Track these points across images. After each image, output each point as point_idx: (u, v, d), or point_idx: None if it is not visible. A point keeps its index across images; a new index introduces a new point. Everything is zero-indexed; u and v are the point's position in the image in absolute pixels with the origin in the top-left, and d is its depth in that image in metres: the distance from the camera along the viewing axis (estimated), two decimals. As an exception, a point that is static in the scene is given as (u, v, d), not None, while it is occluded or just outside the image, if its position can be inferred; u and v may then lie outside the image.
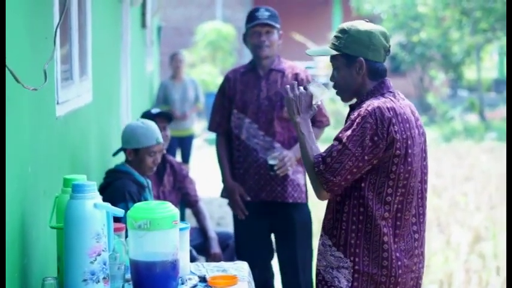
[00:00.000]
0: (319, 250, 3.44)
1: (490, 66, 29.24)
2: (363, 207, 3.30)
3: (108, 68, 6.38)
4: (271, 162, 5.09)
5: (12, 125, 2.99)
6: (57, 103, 3.92)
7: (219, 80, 5.73)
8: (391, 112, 3.27)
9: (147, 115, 5.65)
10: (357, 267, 3.33)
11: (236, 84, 5.31)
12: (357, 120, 3.26)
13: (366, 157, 3.25)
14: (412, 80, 23.94)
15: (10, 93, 2.93)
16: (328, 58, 3.51)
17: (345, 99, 3.47)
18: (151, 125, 4.91)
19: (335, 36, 3.40)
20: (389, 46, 3.43)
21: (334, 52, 3.38)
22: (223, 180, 5.37)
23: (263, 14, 5.16)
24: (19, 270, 3.07)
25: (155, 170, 4.94)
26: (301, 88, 3.45)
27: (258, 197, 5.23)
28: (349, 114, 3.45)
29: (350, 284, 3.33)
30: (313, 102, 3.44)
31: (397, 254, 3.34)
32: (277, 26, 5.19)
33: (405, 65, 23.68)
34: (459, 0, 21.26)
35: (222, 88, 5.39)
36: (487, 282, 6.84)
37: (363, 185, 3.30)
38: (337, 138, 3.29)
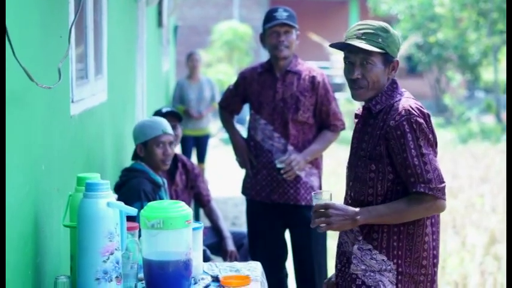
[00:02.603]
0: (354, 255, 3.39)
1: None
2: None
3: (123, 67, 6.38)
4: (278, 165, 5.10)
5: (26, 122, 3.00)
6: (72, 102, 3.93)
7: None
8: (423, 108, 3.32)
9: (157, 114, 5.70)
10: (400, 269, 3.32)
11: (253, 85, 5.31)
12: (414, 127, 3.24)
13: (436, 150, 3.32)
14: (429, 81, 23.89)
15: (23, 91, 2.93)
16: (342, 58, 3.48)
17: (363, 97, 3.40)
18: (158, 118, 4.95)
19: (373, 34, 3.33)
20: None
21: (374, 49, 3.31)
22: (232, 139, 5.46)
23: (282, 14, 5.15)
24: (32, 269, 3.07)
25: (167, 168, 4.93)
26: (320, 211, 3.32)
27: (270, 198, 5.23)
28: (364, 116, 3.43)
29: (395, 287, 3.32)
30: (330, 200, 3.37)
31: (434, 252, 3.38)
32: (296, 26, 5.19)
33: (422, 66, 23.63)
34: (476, 1, 21.21)
35: (237, 85, 5.43)
36: (502, 285, 6.80)
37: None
38: (417, 155, 3.23)
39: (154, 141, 4.79)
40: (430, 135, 3.27)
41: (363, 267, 3.37)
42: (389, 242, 3.33)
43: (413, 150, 3.23)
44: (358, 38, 3.34)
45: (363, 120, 3.45)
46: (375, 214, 3.28)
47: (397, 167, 3.28)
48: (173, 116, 5.80)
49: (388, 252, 3.33)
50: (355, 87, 3.38)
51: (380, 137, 3.31)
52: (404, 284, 3.33)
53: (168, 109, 5.94)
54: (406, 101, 3.32)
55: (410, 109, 3.27)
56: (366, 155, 3.36)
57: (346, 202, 3.45)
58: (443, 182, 3.25)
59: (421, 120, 3.25)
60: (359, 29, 3.36)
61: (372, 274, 3.35)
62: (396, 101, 3.33)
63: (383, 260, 3.34)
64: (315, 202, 3.34)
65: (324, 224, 3.31)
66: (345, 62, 3.42)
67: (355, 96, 3.43)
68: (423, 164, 3.22)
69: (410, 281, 3.33)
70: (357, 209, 3.29)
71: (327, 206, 3.29)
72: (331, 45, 3.48)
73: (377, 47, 3.31)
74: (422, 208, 3.25)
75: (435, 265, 3.39)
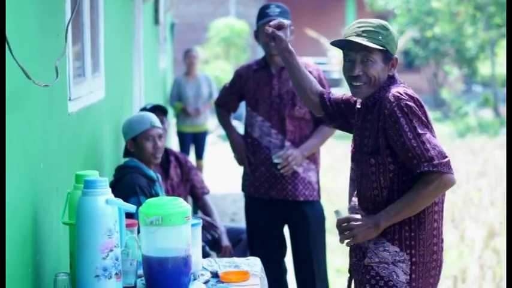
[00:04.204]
0: (369, 249, 3.41)
1: (505, 61, 29.14)
2: None
3: (120, 64, 6.38)
4: (275, 160, 5.11)
5: (24, 121, 3.00)
6: (70, 99, 3.93)
7: (233, 76, 5.78)
8: (413, 94, 3.34)
9: (143, 110, 5.75)
10: (414, 259, 3.36)
11: (248, 82, 5.31)
12: (405, 110, 3.26)
13: (433, 129, 3.33)
14: (426, 76, 23.90)
15: (21, 89, 2.94)
16: (341, 54, 3.50)
17: (363, 94, 3.42)
18: (146, 112, 4.99)
19: (373, 31, 3.35)
20: None
21: (376, 46, 3.33)
22: (229, 137, 5.46)
23: (274, 10, 5.15)
24: (32, 266, 3.07)
25: (159, 162, 4.92)
26: (343, 225, 3.36)
27: (268, 195, 5.23)
28: (362, 112, 3.45)
29: (409, 277, 3.36)
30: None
31: (442, 237, 3.43)
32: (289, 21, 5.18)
33: (419, 60, 23.64)
34: (473, -5, 21.22)
35: (233, 83, 5.42)
36: (501, 278, 6.82)
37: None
38: (414, 137, 3.24)
39: (144, 135, 4.80)
40: (423, 117, 3.29)
41: (377, 259, 3.40)
42: (401, 233, 3.36)
43: (409, 133, 3.25)
44: (359, 35, 3.35)
45: (362, 116, 3.47)
46: (393, 214, 3.30)
47: (399, 154, 3.30)
48: (158, 110, 5.81)
49: (401, 243, 3.36)
50: (356, 84, 3.40)
51: (379, 129, 3.33)
52: (419, 273, 3.37)
53: (153, 104, 5.97)
54: (395, 88, 3.35)
55: (399, 94, 3.29)
56: (368, 151, 3.38)
57: (358, 200, 3.48)
58: (447, 157, 3.25)
59: (411, 104, 3.28)
60: (359, 27, 3.39)
61: (386, 266, 3.38)
62: (387, 91, 3.35)
63: (395, 251, 3.37)
64: (337, 218, 3.38)
65: (350, 239, 3.33)
66: (344, 60, 3.43)
67: (356, 94, 3.45)
68: (422, 144, 3.24)
69: (424, 269, 3.38)
70: (377, 215, 3.32)
71: (348, 219, 3.33)
72: (332, 43, 3.49)
73: (378, 45, 3.34)
74: (432, 187, 3.25)
75: (442, 249, 3.44)
